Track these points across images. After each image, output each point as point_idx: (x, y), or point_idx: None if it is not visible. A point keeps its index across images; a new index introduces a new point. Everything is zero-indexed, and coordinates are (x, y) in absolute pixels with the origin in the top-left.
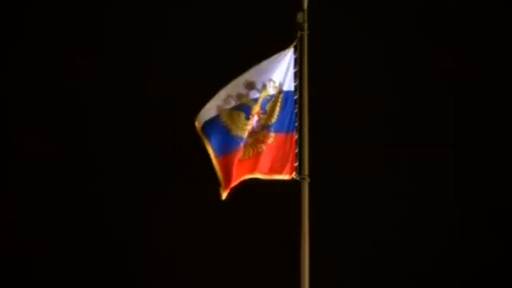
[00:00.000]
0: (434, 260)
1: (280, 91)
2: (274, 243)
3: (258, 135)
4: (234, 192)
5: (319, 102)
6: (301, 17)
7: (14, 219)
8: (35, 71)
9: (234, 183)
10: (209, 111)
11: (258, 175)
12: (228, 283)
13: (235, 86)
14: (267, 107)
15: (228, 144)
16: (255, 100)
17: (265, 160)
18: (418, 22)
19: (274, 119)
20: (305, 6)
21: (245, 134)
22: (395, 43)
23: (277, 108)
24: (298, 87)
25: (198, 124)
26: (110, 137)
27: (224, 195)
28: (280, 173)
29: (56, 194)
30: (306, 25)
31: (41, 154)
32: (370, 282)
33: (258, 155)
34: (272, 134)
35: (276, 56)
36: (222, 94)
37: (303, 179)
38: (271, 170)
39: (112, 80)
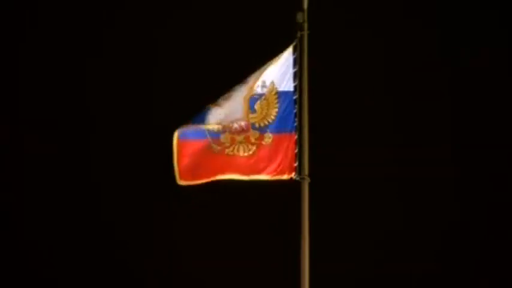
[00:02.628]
0: (434, 260)
1: (272, 90)
2: (274, 243)
3: (248, 133)
4: (234, 192)
5: (319, 102)
6: (301, 17)
7: (14, 219)
8: (35, 70)
9: (216, 176)
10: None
11: (258, 177)
12: (228, 283)
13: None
14: (256, 106)
15: (194, 132)
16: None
17: (264, 162)
18: (418, 22)
19: (270, 119)
20: (305, 6)
21: (215, 128)
22: (396, 43)
23: (274, 109)
24: (298, 87)
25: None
26: (111, 136)
27: (185, 182)
28: (280, 174)
29: (56, 194)
30: (306, 25)
31: (41, 154)
32: (370, 282)
33: (250, 157)
34: (269, 135)
35: (276, 58)
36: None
37: (303, 179)
38: (271, 172)
39: (113, 79)
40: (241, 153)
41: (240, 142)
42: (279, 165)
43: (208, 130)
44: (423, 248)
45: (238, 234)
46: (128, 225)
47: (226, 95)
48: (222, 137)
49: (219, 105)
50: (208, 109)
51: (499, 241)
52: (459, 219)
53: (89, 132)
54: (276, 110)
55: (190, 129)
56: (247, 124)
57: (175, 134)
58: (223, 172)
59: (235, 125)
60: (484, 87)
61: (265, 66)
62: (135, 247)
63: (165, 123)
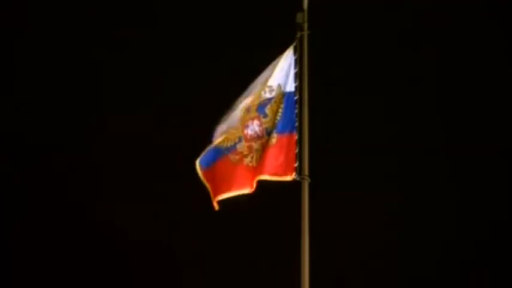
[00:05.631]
0: (434, 262)
1: (281, 93)
2: (274, 243)
3: (263, 140)
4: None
5: (319, 102)
6: (301, 18)
7: (16, 219)
8: (36, 70)
9: (243, 189)
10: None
11: (262, 177)
12: (228, 283)
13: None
14: (267, 110)
15: (210, 155)
16: (246, 109)
17: (269, 162)
18: (418, 22)
19: (276, 120)
20: (305, 6)
21: (229, 143)
22: (396, 43)
23: (280, 110)
24: (298, 88)
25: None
26: (116, 139)
27: (217, 198)
28: (283, 174)
29: (61, 197)
30: (306, 25)
31: (44, 157)
32: (370, 283)
33: (261, 159)
34: (274, 135)
35: (275, 61)
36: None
37: (303, 179)
38: (275, 172)
39: (116, 80)
40: (259, 160)
41: (257, 150)
42: (281, 166)
43: (223, 147)
44: (423, 249)
45: (238, 234)
46: (128, 226)
47: (228, 110)
48: (239, 146)
49: (221, 122)
50: (214, 129)
51: (499, 243)
52: (460, 220)
53: (94, 136)
54: (281, 110)
55: (208, 152)
56: (262, 130)
57: (198, 165)
58: (248, 185)
59: (250, 132)
60: (484, 87)
61: (267, 71)
62: (136, 250)
63: (164, 124)
